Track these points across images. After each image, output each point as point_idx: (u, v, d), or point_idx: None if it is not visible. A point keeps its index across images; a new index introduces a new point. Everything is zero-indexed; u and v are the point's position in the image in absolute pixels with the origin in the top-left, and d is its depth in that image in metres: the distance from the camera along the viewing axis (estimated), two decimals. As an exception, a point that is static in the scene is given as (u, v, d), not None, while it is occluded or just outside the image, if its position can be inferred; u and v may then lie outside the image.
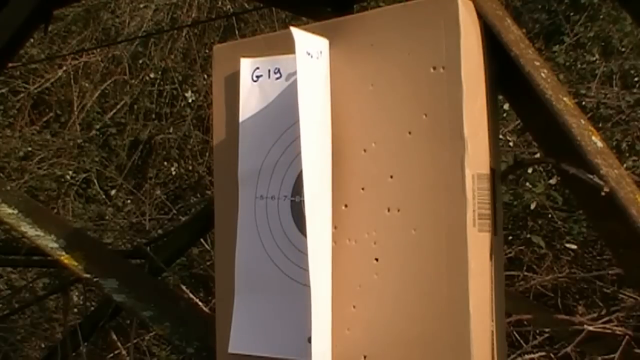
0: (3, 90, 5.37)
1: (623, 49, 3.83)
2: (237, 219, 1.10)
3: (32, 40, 4.68)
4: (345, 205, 1.02)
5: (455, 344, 0.92)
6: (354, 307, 1.00)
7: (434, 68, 0.95)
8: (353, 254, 1.01)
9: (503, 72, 1.02)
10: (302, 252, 0.99)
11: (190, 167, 5.12)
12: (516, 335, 2.54)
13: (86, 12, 5.39)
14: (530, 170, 3.10)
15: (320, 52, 1.03)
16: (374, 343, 0.98)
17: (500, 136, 2.87)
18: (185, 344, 1.51)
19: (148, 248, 2.63)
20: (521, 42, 1.00)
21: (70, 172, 5.19)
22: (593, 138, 0.98)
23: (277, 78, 1.07)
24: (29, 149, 5.25)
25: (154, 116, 5.29)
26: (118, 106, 5.35)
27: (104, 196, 5.19)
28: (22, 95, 5.40)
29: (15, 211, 1.68)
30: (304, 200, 0.97)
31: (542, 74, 0.99)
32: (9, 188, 1.75)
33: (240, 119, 1.10)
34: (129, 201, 5.13)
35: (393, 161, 0.98)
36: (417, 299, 0.94)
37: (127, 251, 3.24)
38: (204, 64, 5.07)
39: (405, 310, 0.95)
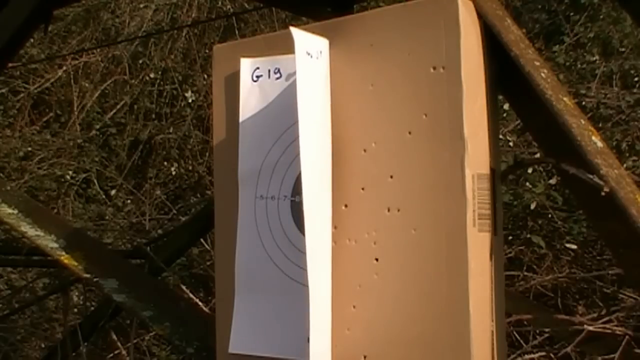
0: (3, 90, 5.37)
1: (623, 49, 3.83)
2: (237, 219, 1.10)
3: (32, 40, 4.68)
4: (345, 205, 1.02)
5: (455, 344, 0.92)
6: (354, 307, 1.00)
7: (434, 68, 0.95)
8: (353, 254, 1.01)
9: (503, 72, 1.02)
10: (302, 252, 0.99)
11: (190, 167, 5.12)
12: (516, 335, 2.54)
13: (86, 12, 5.39)
14: (530, 170, 3.10)
15: (320, 52, 1.03)
16: (374, 343, 0.98)
17: (500, 136, 2.87)
18: (185, 344, 1.51)
19: (148, 248, 2.63)
20: (521, 42, 1.00)
21: (70, 172, 5.19)
22: (593, 138, 0.98)
23: (277, 78, 1.07)
24: (29, 149, 5.25)
25: (154, 116, 5.29)
26: (118, 106, 5.35)
27: (104, 196, 5.19)
28: (22, 95, 5.40)
29: (15, 211, 1.68)
30: (302, 200, 0.97)
31: (542, 74, 0.99)
32: (9, 188, 1.75)
33: (240, 119, 1.10)
34: (129, 201, 5.13)
35: (393, 161, 0.98)
36: (417, 299, 0.94)
37: (127, 251, 3.24)
38: (204, 64, 5.07)
39: (405, 310, 0.95)
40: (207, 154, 4.85)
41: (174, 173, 5.14)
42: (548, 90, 0.98)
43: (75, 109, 5.28)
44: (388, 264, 0.98)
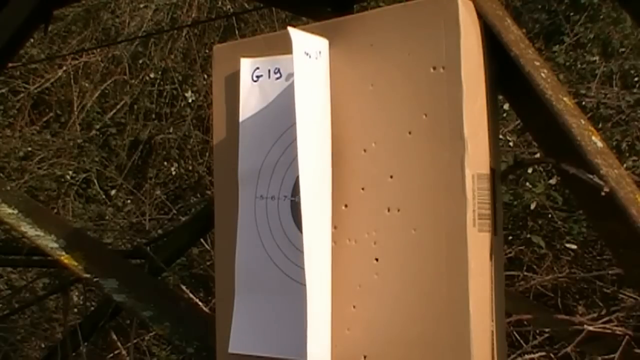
0: (3, 90, 5.37)
1: (623, 49, 3.83)
2: (237, 219, 1.10)
3: (32, 40, 4.68)
4: (345, 205, 1.02)
5: (455, 344, 0.92)
6: (354, 307, 1.00)
7: (434, 68, 0.95)
8: (353, 254, 1.01)
9: (503, 72, 1.02)
10: (302, 252, 0.99)
11: (190, 167, 5.12)
12: (516, 335, 2.54)
13: (86, 12, 5.38)
14: (530, 170, 3.10)
15: (319, 52, 1.03)
16: (374, 343, 0.98)
17: (500, 136, 2.87)
18: (185, 344, 1.51)
19: (148, 248, 2.63)
20: (521, 42, 1.00)
21: (70, 172, 5.19)
22: (593, 138, 0.98)
23: (277, 78, 1.07)
24: (29, 149, 5.24)
25: (154, 116, 5.29)
26: (118, 106, 5.35)
27: (104, 196, 5.19)
28: (22, 95, 5.40)
29: (15, 211, 1.68)
30: (300, 200, 0.97)
31: (542, 74, 0.99)
32: (9, 188, 1.75)
33: (240, 119, 1.10)
34: (129, 201, 5.13)
35: (393, 161, 0.98)
36: (417, 299, 0.94)
37: (127, 251, 3.24)
38: (204, 64, 5.07)
39: (405, 310, 0.95)
40: (207, 154, 4.85)
41: (174, 173, 5.14)
42: (548, 90, 0.98)
43: (75, 109, 5.28)
44: (388, 264, 0.98)
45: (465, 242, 0.92)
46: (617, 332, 1.90)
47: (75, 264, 1.62)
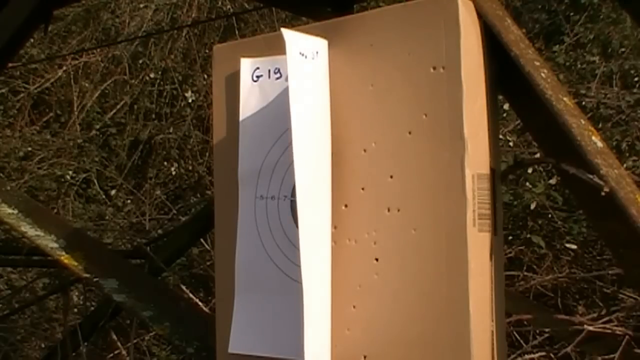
0: (3, 90, 5.37)
1: (623, 50, 3.83)
2: (237, 219, 1.10)
3: (32, 40, 4.68)
4: (345, 205, 1.02)
5: (455, 344, 0.92)
6: (354, 307, 1.00)
7: (434, 68, 0.95)
8: (353, 254, 1.01)
9: (503, 72, 1.02)
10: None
11: (190, 167, 5.12)
12: (516, 335, 2.54)
13: (86, 12, 5.38)
14: (530, 170, 3.10)
15: (317, 53, 1.02)
16: (374, 343, 0.98)
17: (500, 136, 2.87)
18: (185, 344, 1.51)
19: (148, 248, 2.63)
20: (521, 42, 1.00)
21: (70, 172, 5.19)
22: (593, 138, 0.98)
23: (277, 78, 1.07)
24: (29, 149, 5.24)
25: (154, 116, 5.29)
26: (118, 106, 5.35)
27: (104, 196, 5.19)
28: (22, 95, 5.40)
29: (15, 211, 1.68)
30: (293, 200, 0.97)
31: (542, 74, 0.99)
32: (9, 188, 1.75)
33: (240, 119, 1.10)
34: (129, 201, 5.13)
35: (393, 161, 0.98)
36: (417, 298, 0.94)
37: (127, 251, 3.24)
38: (204, 64, 5.07)
39: (405, 310, 0.95)
40: (207, 154, 4.85)
41: (174, 173, 5.14)
42: (548, 90, 0.98)
43: (75, 109, 5.28)
44: (388, 264, 0.98)
45: (465, 242, 0.92)
46: (617, 332, 1.90)
47: (75, 264, 1.62)
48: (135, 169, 5.25)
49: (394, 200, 0.97)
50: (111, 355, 3.95)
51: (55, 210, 4.87)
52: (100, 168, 5.23)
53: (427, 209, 0.95)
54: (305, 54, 1.01)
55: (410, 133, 0.97)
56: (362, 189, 1.01)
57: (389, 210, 0.98)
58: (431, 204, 0.94)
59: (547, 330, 2.31)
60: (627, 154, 3.15)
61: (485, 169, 0.96)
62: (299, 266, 1.02)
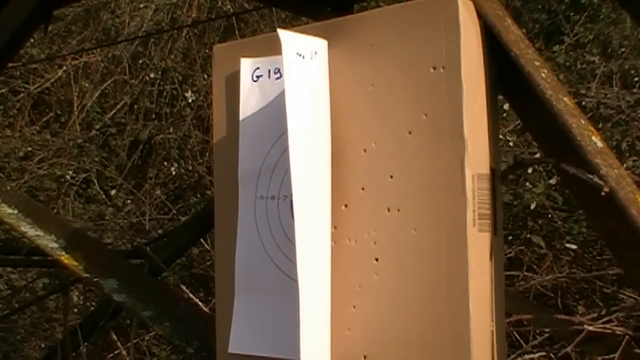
0: (3, 90, 5.37)
1: (623, 50, 3.83)
2: (237, 219, 1.10)
3: (32, 40, 4.68)
4: (345, 205, 1.02)
5: (455, 344, 0.92)
6: (354, 307, 1.00)
7: (434, 68, 0.95)
8: (353, 254, 1.01)
9: (503, 72, 1.02)
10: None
11: (190, 167, 5.12)
12: (516, 335, 2.54)
13: (86, 12, 5.38)
14: (530, 170, 3.10)
15: (315, 53, 1.02)
16: (374, 343, 0.98)
17: (500, 136, 2.87)
18: (185, 344, 1.51)
19: (148, 248, 2.63)
20: (521, 42, 1.00)
21: (70, 172, 5.19)
22: (593, 138, 0.98)
23: (277, 78, 1.07)
24: (29, 149, 5.24)
25: (154, 116, 5.29)
26: (118, 106, 5.35)
27: (104, 196, 5.19)
28: (22, 95, 5.40)
29: (15, 211, 1.68)
30: (292, 201, 0.97)
31: (542, 74, 0.99)
32: (9, 188, 1.75)
33: (240, 119, 1.10)
34: (129, 201, 5.13)
35: (393, 161, 0.98)
36: (417, 298, 0.94)
37: (127, 251, 3.24)
38: (204, 64, 5.07)
39: (405, 310, 0.95)
40: (207, 154, 4.85)
41: (174, 173, 5.14)
42: (548, 90, 0.98)
43: (75, 109, 5.28)
44: (388, 264, 0.98)
45: (465, 242, 0.92)
46: (617, 332, 1.90)
47: (75, 264, 1.62)
48: (135, 169, 5.25)
49: (394, 200, 0.97)
50: (111, 355, 3.95)
51: (55, 210, 4.87)
52: (100, 168, 5.23)
53: (427, 209, 0.95)
54: (303, 54, 1.01)
55: (410, 133, 0.97)
56: (362, 189, 1.01)
57: (389, 210, 0.98)
58: (431, 204, 0.94)
59: (547, 330, 2.31)
60: (627, 154, 3.15)
61: (485, 169, 0.96)
62: (299, 266, 1.02)
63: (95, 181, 5.21)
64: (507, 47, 0.99)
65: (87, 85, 5.38)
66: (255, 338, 1.07)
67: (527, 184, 3.12)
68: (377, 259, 0.99)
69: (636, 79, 3.72)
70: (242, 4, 5.00)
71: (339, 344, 1.00)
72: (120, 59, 5.34)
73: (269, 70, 1.08)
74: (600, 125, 3.23)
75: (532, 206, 3.04)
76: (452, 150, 0.93)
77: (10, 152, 5.19)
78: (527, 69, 0.98)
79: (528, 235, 3.15)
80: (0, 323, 4.11)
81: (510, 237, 3.19)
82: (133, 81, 5.32)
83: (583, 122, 0.99)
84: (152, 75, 5.25)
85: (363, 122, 1.01)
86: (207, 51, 5.08)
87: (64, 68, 5.33)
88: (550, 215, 3.12)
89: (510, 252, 3.13)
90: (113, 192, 5.19)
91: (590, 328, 1.88)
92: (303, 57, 1.01)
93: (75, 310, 4.08)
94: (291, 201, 1.04)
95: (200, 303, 3.44)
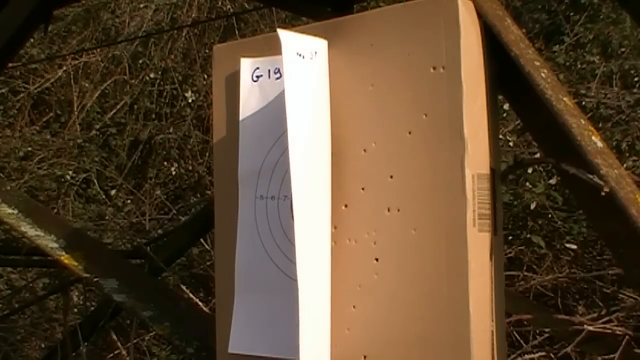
0: (3, 90, 5.37)
1: (623, 50, 3.83)
2: (237, 219, 1.10)
3: (32, 40, 4.68)
4: (345, 205, 1.02)
5: (455, 344, 0.92)
6: (354, 307, 1.00)
7: (434, 68, 0.95)
8: (353, 254, 1.01)
9: (503, 72, 1.02)
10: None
11: (190, 167, 5.12)
12: (516, 335, 2.54)
13: (86, 12, 5.38)
14: (530, 170, 3.10)
15: (315, 53, 1.02)
16: (374, 343, 0.98)
17: (500, 136, 2.87)
18: (185, 344, 1.51)
19: (148, 248, 2.63)
20: (521, 42, 1.00)
21: (70, 172, 5.19)
22: (593, 138, 0.98)
23: (277, 78, 1.07)
24: (29, 149, 5.25)
25: (154, 116, 5.29)
26: (118, 106, 5.35)
27: (104, 196, 5.19)
28: (22, 95, 5.40)
29: (15, 211, 1.68)
30: (291, 201, 0.97)
31: (542, 74, 0.99)
32: (9, 188, 1.75)
33: (240, 119, 1.10)
34: (129, 201, 5.13)
35: (393, 161, 0.98)
36: (417, 298, 0.94)
37: (127, 251, 3.24)
38: (204, 64, 5.07)
39: (405, 310, 0.95)
40: (207, 154, 4.85)
41: (174, 173, 5.14)
42: (548, 90, 0.98)
43: (75, 109, 5.28)
44: (388, 264, 0.98)
45: (465, 242, 0.92)
46: (617, 332, 1.90)
47: (75, 264, 1.62)
48: (135, 169, 5.25)
49: (394, 200, 0.97)
50: (111, 355, 3.95)
51: (55, 210, 4.87)
52: (100, 168, 5.23)
53: (427, 209, 0.95)
54: (303, 55, 1.01)
55: (410, 133, 0.97)
56: (362, 189, 1.01)
57: (389, 210, 0.98)
58: (431, 204, 0.94)
59: (547, 330, 2.31)
60: (627, 154, 3.15)
61: (485, 169, 0.96)
62: (299, 266, 1.02)
63: (95, 181, 5.21)
64: (507, 47, 0.99)
65: (87, 85, 5.38)
66: (255, 338, 1.07)
67: (527, 184, 3.13)
68: (377, 259, 0.99)
69: (636, 79, 3.72)
70: (242, 4, 5.00)
71: (339, 344, 1.00)
72: (120, 59, 5.34)
73: (269, 70, 1.08)
74: (600, 125, 3.24)
75: (532, 206, 3.04)
76: (452, 150, 0.93)
77: (10, 152, 5.19)
78: (527, 69, 0.98)
79: (528, 235, 3.15)
80: (0, 323, 4.11)
81: (510, 237, 3.19)
82: (133, 81, 5.32)
83: (583, 122, 0.99)
84: (152, 75, 5.25)
85: (363, 122, 1.01)
86: (207, 51, 5.08)
87: (64, 68, 5.33)
88: (550, 215, 3.13)
89: (510, 252, 3.13)
90: (113, 192, 5.19)
91: (590, 328, 1.89)
92: (303, 57, 1.01)
93: (75, 310, 4.08)
94: (291, 201, 1.04)
95: (200, 303, 3.44)
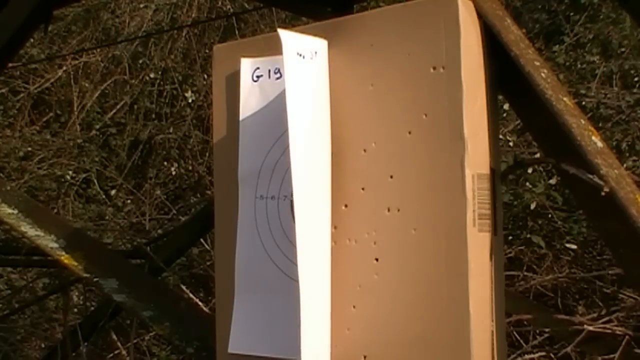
0: (3, 90, 5.37)
1: (623, 49, 3.83)
2: (237, 219, 1.10)
3: (32, 40, 4.68)
4: (345, 205, 1.02)
5: (455, 344, 0.92)
6: (354, 307, 1.00)
7: (434, 68, 0.95)
8: (353, 254, 1.01)
9: (503, 72, 1.02)
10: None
11: (190, 167, 5.12)
12: (516, 335, 2.54)
13: (86, 12, 5.38)
14: (530, 170, 3.10)
15: (315, 53, 1.02)
16: (374, 343, 0.98)
17: (500, 136, 2.87)
18: (185, 344, 1.51)
19: (148, 248, 2.63)
20: (521, 42, 1.00)
21: (70, 172, 5.19)
22: (593, 138, 0.98)
23: (278, 78, 1.07)
24: (29, 149, 5.24)
25: (154, 116, 5.29)
26: (118, 106, 5.35)
27: (104, 196, 5.19)
28: (22, 95, 5.40)
29: (15, 211, 1.68)
30: (292, 200, 0.97)
31: (542, 74, 0.99)
32: (9, 188, 1.75)
33: (241, 119, 1.10)
34: (129, 201, 5.13)
35: (393, 161, 0.98)
36: (417, 298, 0.94)
37: (127, 251, 3.24)
38: (204, 64, 5.07)
39: (405, 310, 0.95)
40: (207, 154, 4.85)
41: (174, 173, 5.14)
42: (548, 90, 0.98)
43: (75, 109, 5.28)
44: (388, 264, 0.98)
45: (465, 242, 0.92)
46: (617, 332, 1.90)
47: (75, 264, 1.62)
48: (135, 169, 5.25)
49: (393, 200, 0.97)
50: (111, 355, 3.95)
51: (55, 210, 4.87)
52: (100, 168, 5.23)
53: (427, 209, 0.95)
54: (303, 54, 1.01)
55: (410, 133, 0.97)
56: (362, 189, 1.01)
57: (389, 210, 0.98)
58: (431, 204, 0.94)
59: (547, 330, 2.31)
60: (627, 154, 3.15)
61: (485, 169, 0.96)
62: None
63: (95, 181, 5.21)
64: (507, 47, 0.99)
65: (87, 85, 5.38)
66: (255, 338, 1.07)
67: (527, 184, 3.12)
68: (377, 259, 0.99)
69: (636, 79, 3.72)
70: (242, 4, 5.00)
71: (339, 343, 1.00)
72: (120, 59, 5.34)
73: (269, 70, 1.08)
74: (600, 125, 3.24)
75: (532, 206, 3.04)
76: (452, 150, 0.93)
77: (10, 152, 5.19)
78: (527, 69, 0.98)
79: (528, 235, 3.15)
80: (0, 323, 4.11)
81: (510, 237, 3.19)
82: (133, 81, 5.32)
83: (583, 122, 0.99)
84: (152, 75, 5.25)
85: (363, 122, 1.01)
86: (207, 51, 5.08)
87: (64, 68, 5.33)
88: (550, 215, 3.13)
89: (510, 252, 3.13)
90: (113, 192, 5.19)
91: (590, 328, 1.89)
92: (303, 57, 1.01)
93: (75, 310, 4.08)
94: (291, 201, 1.04)
95: (200, 303, 3.44)
